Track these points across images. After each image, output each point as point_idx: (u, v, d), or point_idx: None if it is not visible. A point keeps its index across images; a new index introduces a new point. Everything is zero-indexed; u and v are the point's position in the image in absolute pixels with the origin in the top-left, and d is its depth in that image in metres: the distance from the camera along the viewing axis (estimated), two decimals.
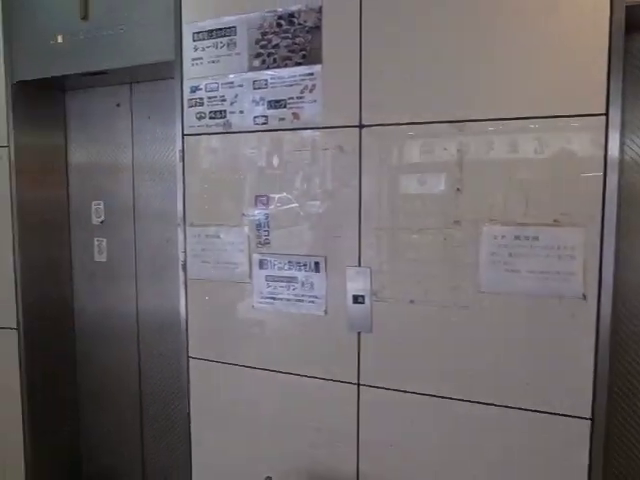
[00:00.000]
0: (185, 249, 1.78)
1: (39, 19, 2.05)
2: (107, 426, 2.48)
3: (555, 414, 1.33)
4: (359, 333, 1.53)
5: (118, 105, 2.32)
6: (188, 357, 1.80)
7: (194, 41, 1.70)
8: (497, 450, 1.39)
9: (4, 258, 2.19)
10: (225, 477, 1.78)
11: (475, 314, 1.39)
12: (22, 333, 2.21)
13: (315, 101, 1.54)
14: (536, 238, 1.31)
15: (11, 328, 2.22)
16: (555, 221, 1.29)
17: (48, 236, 2.36)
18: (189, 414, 1.82)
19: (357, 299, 1.52)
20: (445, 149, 1.39)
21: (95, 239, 2.40)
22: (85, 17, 1.94)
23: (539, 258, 1.31)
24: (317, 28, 1.51)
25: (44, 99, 2.31)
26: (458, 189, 1.38)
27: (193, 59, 1.71)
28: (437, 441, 1.46)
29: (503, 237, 1.34)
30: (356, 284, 1.52)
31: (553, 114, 1.28)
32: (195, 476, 1.83)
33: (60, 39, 2.00)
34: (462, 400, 1.42)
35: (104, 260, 2.40)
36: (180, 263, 1.79)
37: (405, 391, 1.48)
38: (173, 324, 1.94)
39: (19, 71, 2.12)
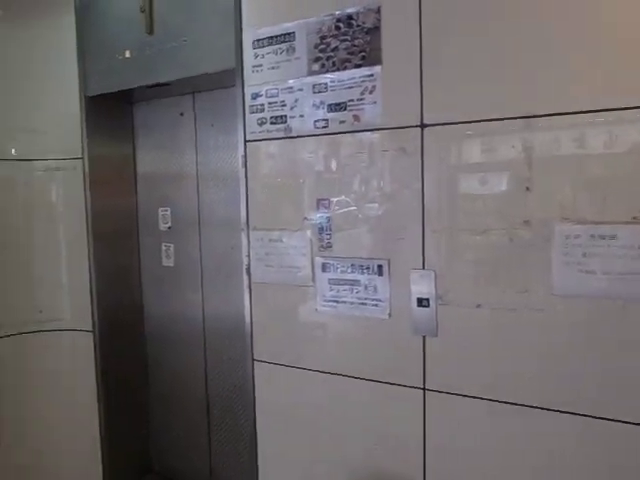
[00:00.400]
0: (249, 253, 1.81)
1: (108, 36, 2.15)
2: (176, 430, 2.56)
3: (638, 424, 1.25)
4: (424, 337, 1.50)
5: (182, 114, 2.39)
6: (253, 360, 1.83)
7: (254, 48, 1.73)
8: (570, 459, 1.33)
9: (81, 264, 2.32)
10: None
11: (547, 318, 1.33)
12: (97, 335, 2.33)
13: (375, 102, 1.52)
14: (613, 237, 1.24)
15: (87, 331, 2.34)
16: (634, 218, 1.22)
17: (119, 242, 2.46)
18: (255, 417, 1.85)
19: (421, 302, 1.49)
20: (513, 147, 1.34)
21: (163, 244, 2.49)
22: (150, 32, 2.02)
23: (616, 258, 1.24)
24: (376, 29, 1.50)
25: (114, 111, 2.41)
26: (527, 188, 1.33)
27: (253, 66, 1.74)
28: (508, 449, 1.41)
29: (577, 236, 1.27)
30: (420, 287, 1.49)
31: (630, 105, 1.20)
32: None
33: (128, 54, 2.10)
34: (533, 407, 1.36)
35: (172, 265, 2.48)
36: (244, 267, 1.82)
37: (474, 397, 1.44)
38: (238, 328, 1.98)
39: (92, 86, 2.23)
